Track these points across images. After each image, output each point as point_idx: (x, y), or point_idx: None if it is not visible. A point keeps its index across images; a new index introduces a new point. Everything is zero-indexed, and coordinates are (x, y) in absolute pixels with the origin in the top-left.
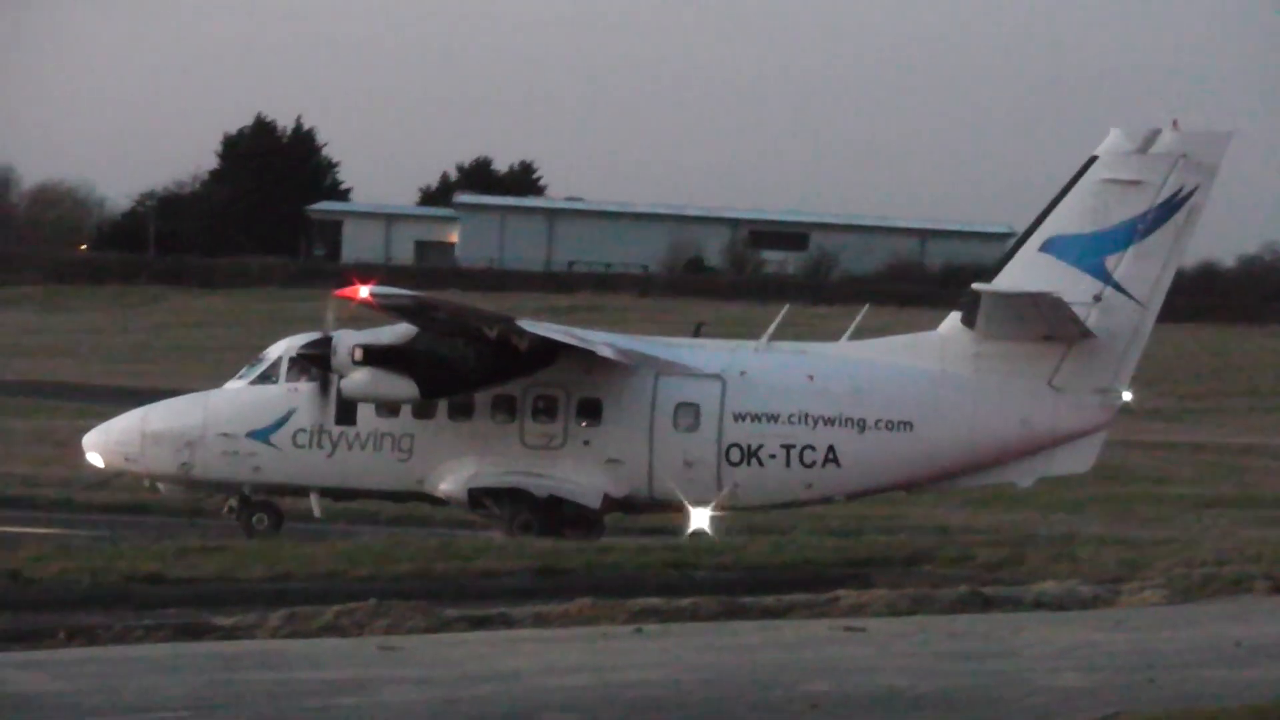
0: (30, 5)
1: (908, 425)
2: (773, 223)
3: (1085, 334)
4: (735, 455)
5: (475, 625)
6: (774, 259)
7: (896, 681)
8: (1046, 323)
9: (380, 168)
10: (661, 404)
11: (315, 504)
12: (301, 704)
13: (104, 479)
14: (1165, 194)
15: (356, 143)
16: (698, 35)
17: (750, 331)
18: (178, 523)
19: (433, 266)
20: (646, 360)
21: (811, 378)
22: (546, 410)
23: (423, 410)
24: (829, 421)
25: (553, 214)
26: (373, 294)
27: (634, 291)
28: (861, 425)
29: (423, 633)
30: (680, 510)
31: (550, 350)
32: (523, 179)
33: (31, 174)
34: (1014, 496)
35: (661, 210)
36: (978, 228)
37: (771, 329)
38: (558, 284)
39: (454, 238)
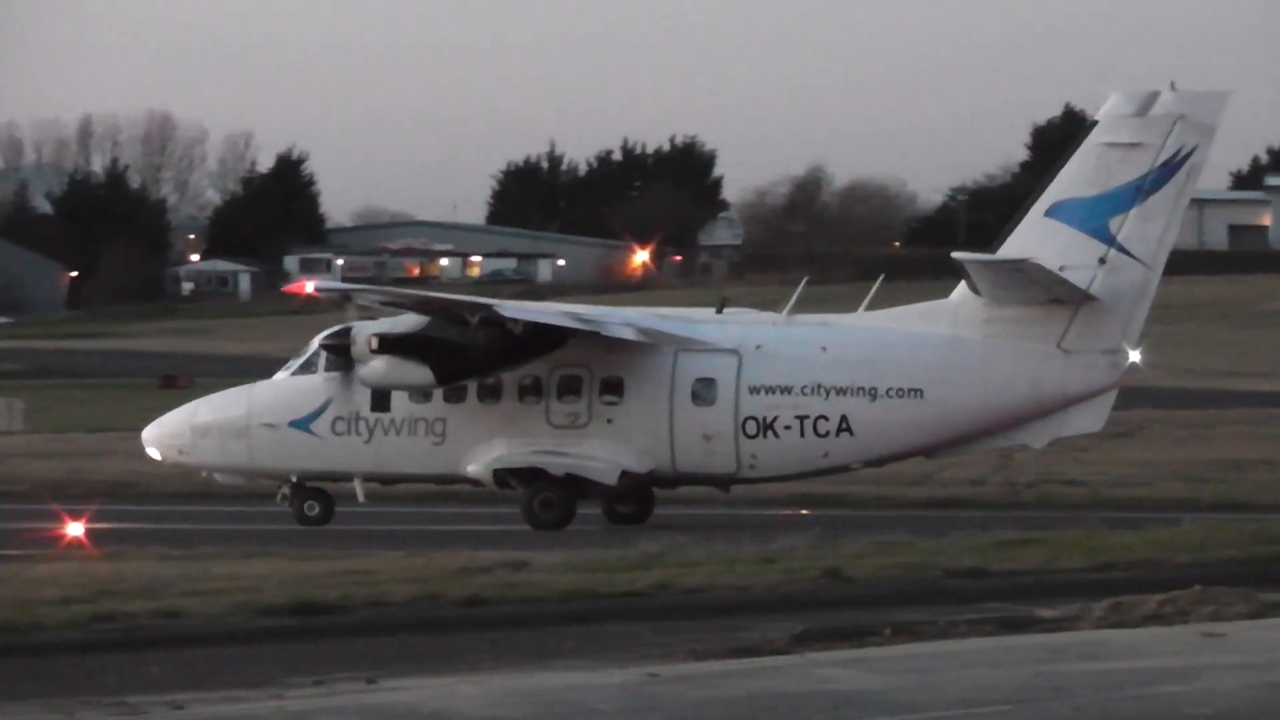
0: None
1: (918, 392)
2: None
3: (1087, 297)
4: (751, 428)
5: None
6: None
7: None
8: (1043, 287)
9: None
10: (680, 380)
11: (359, 489)
12: (1124, 694)
13: None
14: (1165, 155)
15: None
16: None
17: None
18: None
19: (1245, 250)
20: (666, 338)
21: (825, 349)
22: (572, 390)
23: (454, 395)
24: (841, 391)
25: None
26: (317, 288)
27: None
28: (873, 394)
29: (1246, 618)
30: (703, 483)
31: (559, 332)
32: None
33: (843, 172)
34: None
35: None
36: None
37: (792, 301)
38: None
39: (1266, 220)
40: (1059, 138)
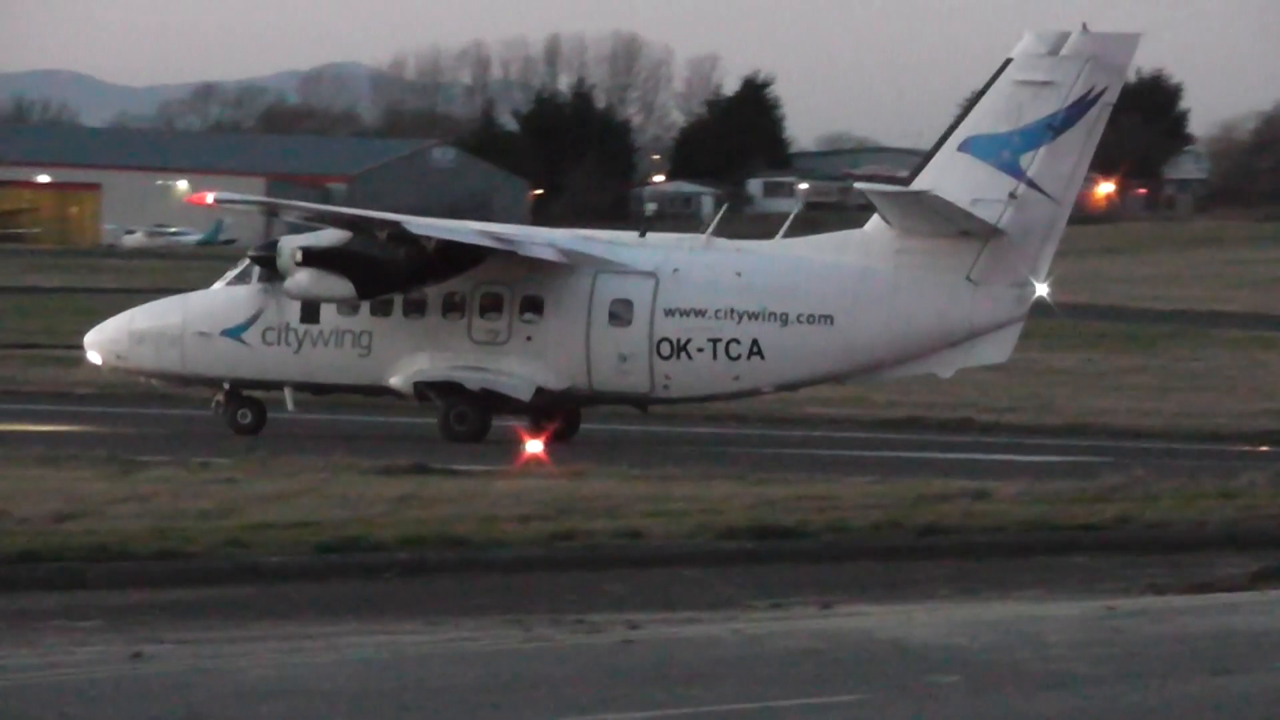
0: None
1: (829, 319)
2: None
3: (995, 230)
4: (665, 349)
5: None
6: None
7: None
8: (946, 219)
9: None
10: (598, 301)
11: (289, 398)
12: None
13: None
14: (1076, 94)
15: None
16: None
17: None
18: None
19: None
20: (586, 259)
21: (740, 274)
22: (493, 307)
23: (380, 308)
24: (754, 316)
25: None
26: (216, 199)
27: None
28: (784, 319)
29: None
30: (619, 402)
31: (474, 251)
32: None
33: None
34: None
35: None
36: None
37: (712, 226)
38: None
39: None
40: None
